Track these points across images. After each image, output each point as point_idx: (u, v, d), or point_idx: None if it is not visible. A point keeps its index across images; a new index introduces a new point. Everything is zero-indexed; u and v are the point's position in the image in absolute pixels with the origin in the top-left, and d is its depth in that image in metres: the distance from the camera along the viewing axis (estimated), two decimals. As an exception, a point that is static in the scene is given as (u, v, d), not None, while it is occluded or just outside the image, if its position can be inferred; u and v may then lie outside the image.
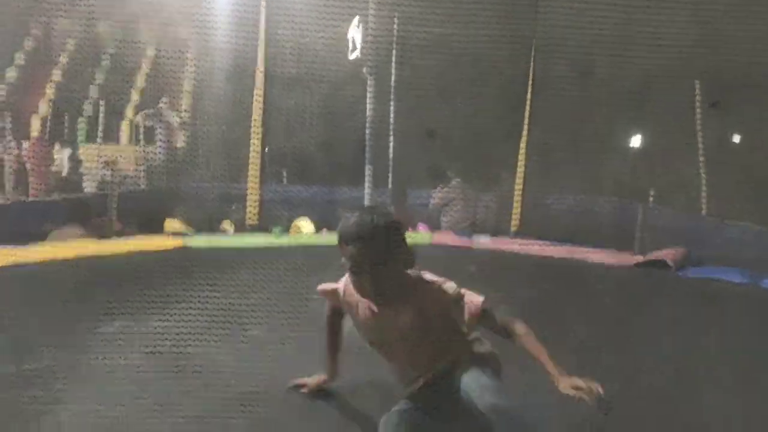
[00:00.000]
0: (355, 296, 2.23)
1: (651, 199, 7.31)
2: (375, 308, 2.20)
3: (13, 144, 9.32)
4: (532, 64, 6.98)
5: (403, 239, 2.18)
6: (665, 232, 6.28)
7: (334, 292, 2.35)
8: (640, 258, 5.47)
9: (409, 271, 2.21)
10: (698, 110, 7.52)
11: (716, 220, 6.76)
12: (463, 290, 2.22)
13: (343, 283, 2.31)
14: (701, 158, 7.44)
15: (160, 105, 10.49)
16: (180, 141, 10.09)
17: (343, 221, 2.17)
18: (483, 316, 2.20)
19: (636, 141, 8.36)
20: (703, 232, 6.35)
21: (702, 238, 6.10)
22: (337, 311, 2.43)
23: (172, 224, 6.72)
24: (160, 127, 10.23)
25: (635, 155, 8.15)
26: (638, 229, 6.60)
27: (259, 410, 2.35)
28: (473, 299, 2.21)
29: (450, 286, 2.21)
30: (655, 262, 5.28)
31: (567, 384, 2.03)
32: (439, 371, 2.23)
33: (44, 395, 2.43)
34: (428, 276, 2.25)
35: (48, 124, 10.37)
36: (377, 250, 2.10)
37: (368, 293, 2.16)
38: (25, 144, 9.76)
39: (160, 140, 9.36)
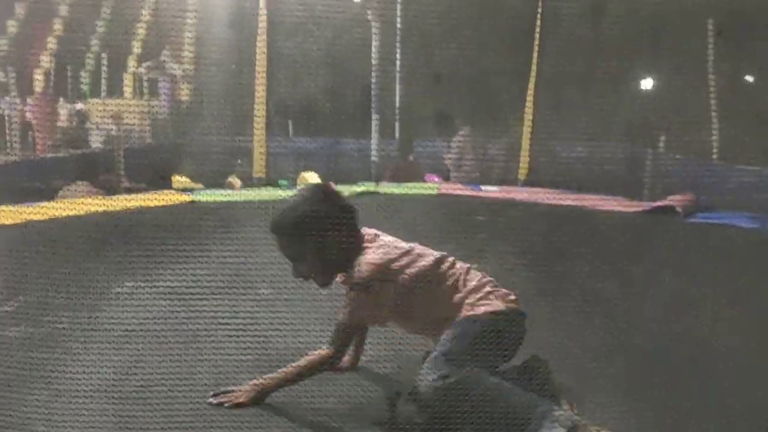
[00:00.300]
0: None
1: (661, 144, 7.21)
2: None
3: (17, 100, 9.26)
4: (540, 3, 6.82)
5: (332, 226, 2.18)
6: (675, 178, 6.23)
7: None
8: (648, 204, 5.45)
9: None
10: (710, 50, 7.34)
11: (727, 165, 6.68)
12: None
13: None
14: (713, 100, 7.30)
15: (163, 56, 10.37)
16: (184, 93, 10.00)
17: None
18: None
19: (647, 84, 8.20)
20: (713, 177, 6.28)
21: (713, 184, 6.04)
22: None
23: (179, 180, 6.72)
24: (164, 80, 10.14)
25: (646, 98, 8.02)
26: (648, 176, 6.55)
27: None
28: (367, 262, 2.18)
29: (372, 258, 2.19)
30: (663, 209, 5.26)
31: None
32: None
33: (58, 356, 2.45)
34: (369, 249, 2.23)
35: (51, 78, 10.27)
36: (287, 245, 2.21)
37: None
38: (29, 99, 9.70)
39: (164, 93, 9.29)
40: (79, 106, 10.24)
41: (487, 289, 2.26)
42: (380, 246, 2.25)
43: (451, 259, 2.32)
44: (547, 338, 2.50)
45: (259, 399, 2.22)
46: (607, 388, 2.27)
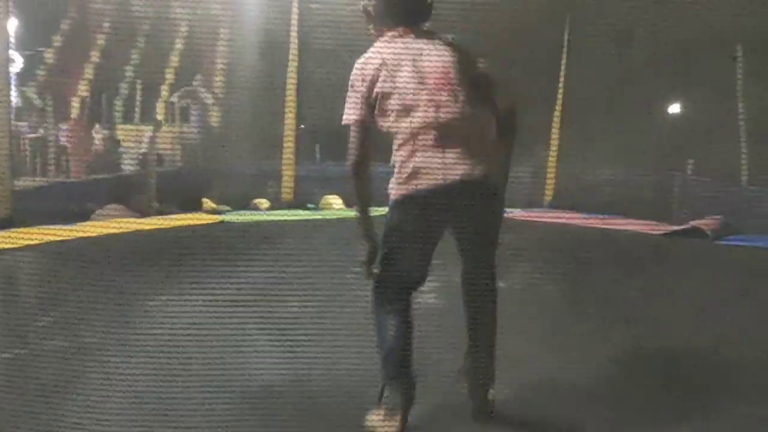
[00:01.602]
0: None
1: (690, 167, 7.17)
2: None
3: (54, 126, 9.52)
4: (567, 31, 6.87)
5: None
6: (704, 202, 6.19)
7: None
8: (677, 227, 5.42)
9: None
10: (739, 76, 7.32)
11: (756, 188, 6.62)
12: None
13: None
14: (741, 124, 7.25)
15: (195, 83, 10.59)
16: (215, 119, 10.20)
17: None
18: None
19: (675, 109, 8.19)
20: (743, 202, 6.23)
21: (742, 208, 5.99)
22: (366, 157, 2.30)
23: (209, 203, 6.84)
24: (195, 106, 10.35)
25: (674, 124, 8.00)
26: (676, 199, 6.51)
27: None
28: None
29: None
30: (692, 231, 5.23)
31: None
32: None
33: (92, 367, 2.51)
34: None
35: (87, 105, 10.54)
36: None
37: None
38: (65, 125, 9.96)
39: (196, 119, 9.48)
40: (113, 131, 10.50)
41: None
42: None
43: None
44: (571, 350, 2.51)
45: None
46: (627, 399, 2.27)
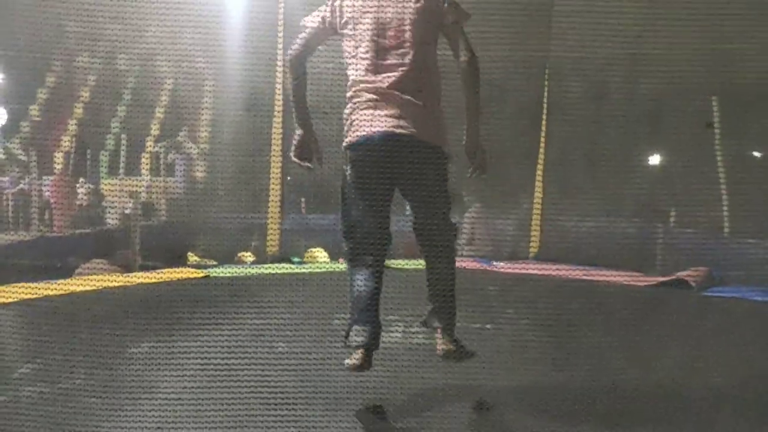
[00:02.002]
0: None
1: (672, 219, 7.25)
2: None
3: (37, 180, 9.49)
4: (546, 84, 7.02)
5: None
6: (687, 253, 6.24)
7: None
8: (661, 279, 5.45)
9: None
10: (716, 127, 7.48)
11: (739, 239, 6.69)
12: None
13: None
14: (721, 176, 7.37)
15: (180, 137, 10.65)
16: (200, 172, 10.21)
17: None
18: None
19: (654, 160, 8.33)
20: (725, 252, 6.29)
21: (725, 258, 6.04)
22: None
23: (194, 257, 6.80)
24: (180, 159, 10.38)
25: (654, 175, 8.12)
26: (659, 251, 6.56)
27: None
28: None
29: None
30: (676, 282, 5.26)
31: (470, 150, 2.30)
32: None
33: (73, 412, 2.46)
34: None
35: (71, 159, 10.55)
36: None
37: None
38: (49, 179, 9.93)
39: (181, 172, 9.49)
40: (97, 185, 10.47)
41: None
42: None
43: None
44: (557, 406, 2.49)
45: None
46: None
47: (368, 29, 2.39)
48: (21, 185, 10.12)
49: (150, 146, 11.47)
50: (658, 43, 6.62)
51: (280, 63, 7.29)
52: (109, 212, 9.62)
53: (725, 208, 7.13)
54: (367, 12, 2.38)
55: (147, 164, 11.30)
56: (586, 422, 2.52)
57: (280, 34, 7.26)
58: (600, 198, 7.05)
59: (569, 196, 7.22)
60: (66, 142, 11.12)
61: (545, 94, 7.00)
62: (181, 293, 4.81)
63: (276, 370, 2.77)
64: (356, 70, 2.31)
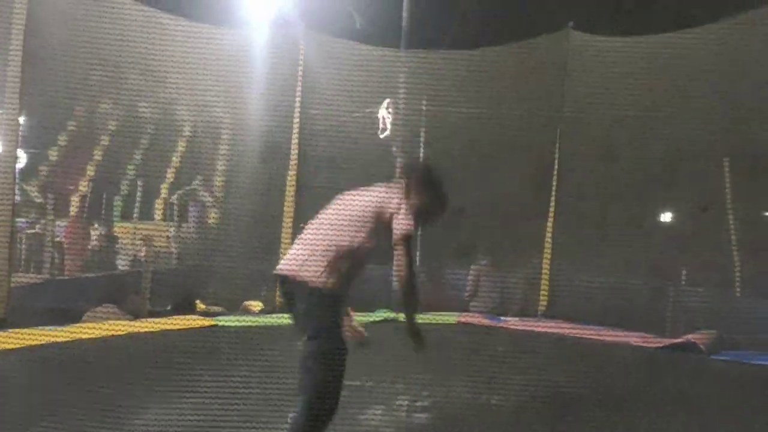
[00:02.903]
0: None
1: (683, 279, 7.20)
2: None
3: (52, 222, 9.59)
4: (558, 143, 7.09)
5: None
6: (698, 313, 6.19)
7: None
8: (671, 341, 5.39)
9: None
10: (728, 188, 7.48)
11: (751, 300, 6.63)
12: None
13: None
14: (733, 236, 7.35)
15: (195, 184, 10.77)
16: (213, 219, 10.29)
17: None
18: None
19: (666, 220, 8.32)
20: (737, 313, 6.23)
21: (737, 319, 5.99)
22: None
23: (202, 305, 6.81)
24: (194, 206, 10.49)
25: (666, 235, 8.10)
26: (670, 310, 6.51)
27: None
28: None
29: None
30: (687, 345, 5.20)
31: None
32: None
33: None
34: None
35: (87, 202, 10.68)
36: None
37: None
38: (62, 222, 10.03)
39: (194, 219, 9.56)
40: (110, 228, 10.55)
41: None
42: None
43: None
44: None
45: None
46: None
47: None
48: (36, 228, 10.22)
49: (165, 193, 11.61)
50: (669, 104, 6.69)
51: (297, 115, 7.44)
52: (122, 256, 9.68)
53: (736, 267, 7.09)
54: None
55: (161, 210, 11.44)
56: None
57: (299, 88, 7.42)
58: (610, 256, 7.04)
59: (579, 253, 7.21)
60: (83, 186, 11.29)
61: (557, 152, 7.06)
62: (189, 343, 4.81)
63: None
64: None
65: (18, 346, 4.36)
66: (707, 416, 3.43)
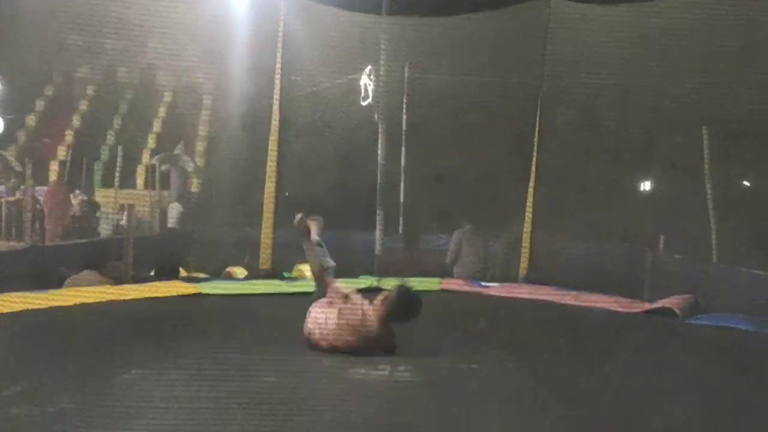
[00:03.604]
0: None
1: (661, 245, 7.32)
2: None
3: (32, 189, 9.52)
4: (539, 110, 7.11)
5: None
6: (675, 279, 6.30)
7: None
8: (648, 305, 5.49)
9: None
10: (706, 157, 7.56)
11: (727, 267, 6.76)
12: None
13: None
14: (710, 204, 7.44)
15: (176, 150, 10.71)
16: (194, 186, 10.28)
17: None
18: None
19: (645, 187, 8.42)
20: (713, 279, 6.35)
21: (712, 285, 6.10)
22: None
23: (185, 271, 6.82)
24: (176, 172, 10.43)
25: (644, 202, 8.21)
26: (648, 276, 6.62)
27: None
28: None
29: None
30: (663, 310, 5.30)
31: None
32: None
33: None
34: None
35: (67, 169, 10.60)
36: None
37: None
38: (44, 189, 9.97)
39: (176, 185, 9.54)
40: (91, 195, 10.49)
41: None
42: None
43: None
44: None
45: None
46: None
47: None
48: (18, 195, 10.15)
49: (146, 159, 11.53)
50: (649, 74, 6.73)
51: (278, 81, 7.39)
52: (103, 223, 9.66)
53: (714, 235, 7.20)
54: None
55: (142, 176, 11.36)
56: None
57: (279, 53, 7.34)
58: (589, 222, 7.14)
59: (559, 219, 7.30)
60: (62, 152, 11.19)
61: (538, 118, 7.09)
62: (173, 310, 4.83)
63: (261, 402, 2.79)
64: None
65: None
66: (678, 378, 3.53)
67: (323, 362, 3.45)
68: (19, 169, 10.46)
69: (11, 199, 10.24)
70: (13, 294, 4.74)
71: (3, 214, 9.93)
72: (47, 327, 4.13)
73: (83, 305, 4.80)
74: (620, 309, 5.40)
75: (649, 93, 6.85)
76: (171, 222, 9.53)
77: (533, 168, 7.06)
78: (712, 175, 7.34)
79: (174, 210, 9.50)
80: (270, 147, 7.15)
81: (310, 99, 7.79)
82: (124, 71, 9.63)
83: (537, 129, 7.06)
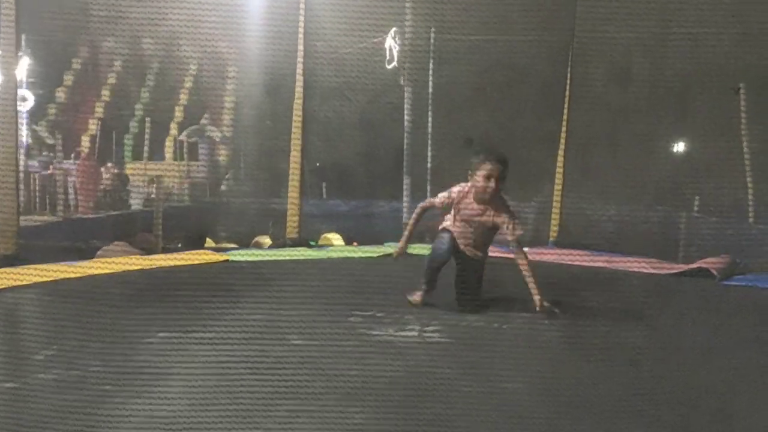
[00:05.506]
0: (465, 198, 3.93)
1: (696, 206, 7.12)
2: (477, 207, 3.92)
3: (63, 162, 9.65)
4: (569, 68, 6.91)
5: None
6: (711, 241, 6.14)
7: (449, 196, 3.98)
8: (683, 267, 5.37)
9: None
10: (743, 114, 7.30)
11: (763, 228, 6.56)
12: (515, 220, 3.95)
13: (458, 192, 3.96)
14: (747, 163, 7.21)
15: (203, 121, 10.73)
16: (222, 156, 10.29)
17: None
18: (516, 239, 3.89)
19: (679, 147, 8.18)
20: (750, 240, 6.18)
21: (749, 246, 5.94)
22: (430, 209, 4.12)
23: (213, 241, 6.86)
24: (203, 144, 10.46)
25: (678, 161, 7.99)
26: (682, 238, 6.47)
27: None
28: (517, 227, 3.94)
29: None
30: (699, 271, 5.18)
31: (539, 303, 3.66)
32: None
33: (90, 398, 2.49)
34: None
35: (97, 142, 10.69)
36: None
37: (486, 199, 3.88)
38: (74, 162, 10.09)
39: (203, 156, 9.56)
40: (122, 168, 10.59)
41: None
42: None
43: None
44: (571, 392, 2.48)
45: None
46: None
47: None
48: (51, 170, 10.30)
49: (174, 131, 11.58)
50: (684, 26, 6.48)
51: (301, 47, 7.29)
52: (134, 195, 9.76)
53: (750, 194, 6.98)
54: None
55: (170, 149, 11.42)
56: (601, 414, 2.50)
57: (302, 18, 7.24)
58: (622, 184, 6.96)
59: (591, 181, 7.14)
60: (92, 126, 11.28)
61: (568, 77, 6.90)
62: (201, 278, 4.85)
63: (290, 361, 2.78)
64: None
65: (32, 281, 4.43)
66: (717, 339, 3.43)
67: (351, 322, 3.44)
68: (51, 142, 10.59)
69: (46, 173, 10.39)
70: (48, 264, 4.81)
71: (37, 188, 10.09)
72: (76, 295, 4.17)
73: (113, 274, 4.86)
74: (653, 271, 5.28)
75: (685, 48, 6.60)
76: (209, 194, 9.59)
77: (563, 128, 6.90)
78: (749, 132, 7.10)
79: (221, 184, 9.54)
80: (294, 114, 7.08)
81: (334, 64, 7.68)
82: (149, 42, 9.59)
83: (568, 87, 6.88)
